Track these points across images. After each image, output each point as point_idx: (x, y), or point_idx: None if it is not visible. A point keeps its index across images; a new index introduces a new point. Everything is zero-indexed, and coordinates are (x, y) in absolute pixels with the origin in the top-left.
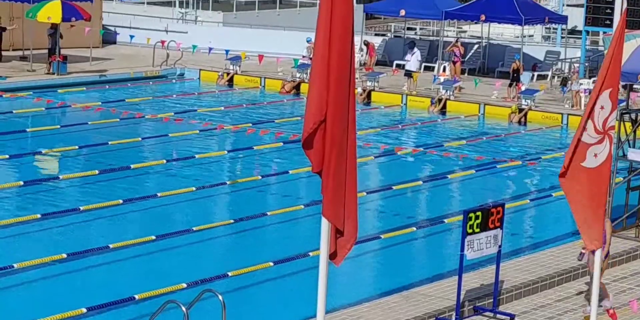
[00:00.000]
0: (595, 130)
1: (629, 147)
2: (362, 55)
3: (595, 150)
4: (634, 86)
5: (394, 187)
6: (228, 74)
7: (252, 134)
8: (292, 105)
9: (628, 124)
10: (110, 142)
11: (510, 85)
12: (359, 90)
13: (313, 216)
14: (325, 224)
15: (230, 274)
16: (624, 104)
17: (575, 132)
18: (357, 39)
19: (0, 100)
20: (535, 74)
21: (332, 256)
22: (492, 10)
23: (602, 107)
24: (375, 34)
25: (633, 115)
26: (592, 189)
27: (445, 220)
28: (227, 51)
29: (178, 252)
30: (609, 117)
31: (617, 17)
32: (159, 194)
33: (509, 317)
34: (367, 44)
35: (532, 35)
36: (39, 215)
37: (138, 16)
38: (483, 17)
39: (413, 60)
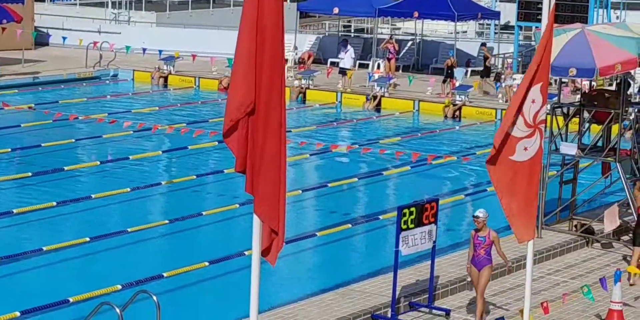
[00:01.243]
0: (525, 124)
1: (561, 140)
2: (296, 54)
3: (525, 144)
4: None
5: (330, 185)
6: (159, 70)
7: (186, 134)
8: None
9: (560, 118)
10: (43, 144)
11: (444, 81)
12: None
13: (248, 215)
14: (256, 223)
15: (165, 274)
16: (556, 98)
17: (502, 125)
18: (291, 37)
19: None
20: (469, 69)
21: (265, 253)
22: (425, 7)
23: (533, 101)
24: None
25: (565, 110)
26: (522, 182)
27: (381, 217)
28: (160, 51)
29: (113, 253)
30: (539, 111)
31: (545, 12)
32: (93, 196)
33: (444, 312)
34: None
35: (466, 31)
36: None
37: (70, 17)
38: (416, 14)
39: (347, 58)
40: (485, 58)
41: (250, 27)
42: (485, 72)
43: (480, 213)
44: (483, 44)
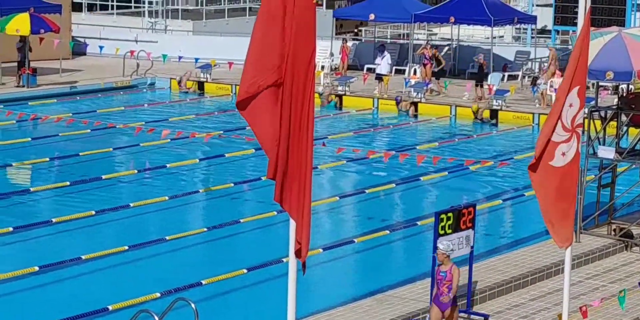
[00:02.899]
0: (563, 128)
1: (599, 144)
2: (332, 60)
3: (563, 149)
4: (601, 84)
5: (367, 191)
6: (186, 75)
7: (223, 142)
8: None
9: (598, 122)
10: (81, 153)
11: (476, 84)
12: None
13: (286, 222)
14: (292, 230)
15: (203, 282)
16: (593, 102)
17: (543, 129)
18: (327, 44)
19: None
20: (506, 74)
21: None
22: (462, 12)
23: (570, 105)
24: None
25: (602, 113)
26: (561, 187)
27: (419, 223)
28: (197, 59)
29: (151, 261)
30: (577, 114)
31: (581, 16)
32: (131, 204)
33: (483, 318)
34: (345, 43)
35: (502, 36)
36: (11, 228)
37: (107, 27)
38: (452, 19)
39: (383, 64)
40: (437, 59)
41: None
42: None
43: (440, 244)
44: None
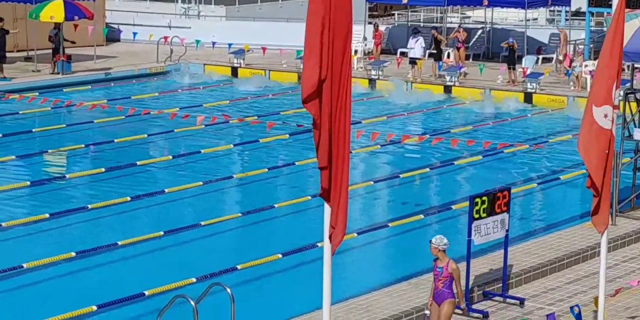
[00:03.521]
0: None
1: (635, 127)
2: (365, 45)
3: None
4: (637, 66)
5: (401, 175)
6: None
7: (258, 127)
8: (297, 96)
9: (633, 104)
10: (116, 140)
11: (509, 67)
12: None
13: (320, 207)
14: (327, 215)
15: (239, 267)
16: (629, 84)
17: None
18: (360, 28)
19: (6, 101)
20: (540, 57)
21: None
22: None
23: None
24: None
25: (638, 95)
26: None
27: (453, 207)
28: (230, 45)
29: (187, 247)
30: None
31: None
32: (166, 190)
33: (519, 301)
34: (376, 27)
35: (537, 19)
36: (47, 215)
37: (141, 13)
38: (486, 2)
39: (417, 48)
40: (439, 41)
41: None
42: (438, 55)
43: (434, 239)
44: (434, 28)
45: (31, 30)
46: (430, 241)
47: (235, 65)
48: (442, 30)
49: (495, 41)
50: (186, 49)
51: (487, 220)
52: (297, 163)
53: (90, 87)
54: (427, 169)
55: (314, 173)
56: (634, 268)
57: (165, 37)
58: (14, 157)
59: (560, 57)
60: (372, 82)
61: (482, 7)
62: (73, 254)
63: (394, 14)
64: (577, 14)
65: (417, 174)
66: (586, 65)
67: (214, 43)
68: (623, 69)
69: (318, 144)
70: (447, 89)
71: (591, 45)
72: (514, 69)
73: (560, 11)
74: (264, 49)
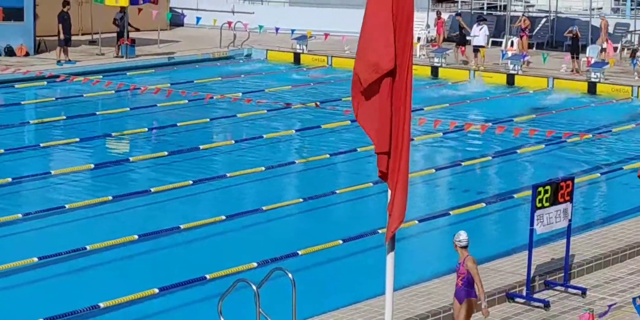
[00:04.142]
0: None
1: None
2: (428, 32)
3: None
4: None
5: (463, 163)
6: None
7: (319, 113)
8: None
9: None
10: (179, 124)
11: (572, 57)
12: None
13: (382, 194)
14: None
15: (300, 252)
16: None
17: None
18: (423, 16)
19: (70, 84)
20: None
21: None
22: None
23: None
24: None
25: None
26: None
27: (515, 195)
28: (293, 31)
29: (248, 231)
30: None
31: None
32: (228, 174)
33: (580, 291)
34: (439, 14)
35: (601, 8)
36: (110, 198)
37: None
38: None
39: (481, 36)
40: (461, 28)
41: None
42: (462, 41)
43: (457, 235)
44: (458, 14)
45: (96, 14)
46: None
47: (298, 51)
48: (505, 18)
49: (559, 30)
50: (249, 35)
51: (550, 209)
52: (359, 149)
53: (153, 71)
54: (490, 157)
55: (375, 160)
56: None
57: (229, 22)
58: (77, 139)
59: (603, 46)
60: (434, 69)
61: None
62: (135, 236)
63: (457, 2)
64: None
65: (479, 162)
66: None
67: (277, 29)
68: None
69: (378, 130)
70: (510, 78)
71: None
72: (577, 58)
73: (625, 0)
74: (326, 35)
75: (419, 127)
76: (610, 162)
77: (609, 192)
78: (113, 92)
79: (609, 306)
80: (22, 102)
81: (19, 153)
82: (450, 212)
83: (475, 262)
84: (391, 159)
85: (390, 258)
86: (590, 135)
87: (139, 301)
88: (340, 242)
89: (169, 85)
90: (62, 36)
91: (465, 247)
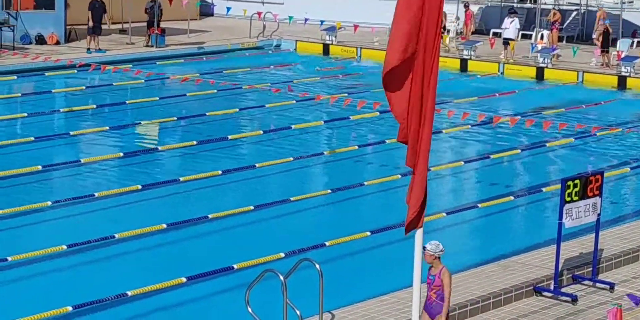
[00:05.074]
0: None
1: None
2: (457, 24)
3: None
4: None
5: (492, 156)
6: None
7: (348, 104)
8: None
9: None
10: (208, 113)
11: (602, 50)
12: None
13: None
14: None
15: (327, 243)
16: None
17: None
18: (453, 8)
19: (101, 73)
20: (635, 40)
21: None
22: None
23: None
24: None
25: None
26: None
27: (544, 189)
28: (322, 22)
29: (276, 222)
30: None
31: None
32: (256, 165)
33: (608, 286)
34: (467, 6)
35: (632, 1)
36: (139, 186)
37: None
38: None
39: (512, 28)
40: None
41: None
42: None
43: (429, 245)
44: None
45: (127, 3)
46: (424, 247)
47: (327, 42)
48: (536, 11)
49: (589, 23)
50: (279, 25)
51: (579, 203)
52: (387, 141)
53: (183, 60)
54: (518, 151)
55: (404, 152)
56: None
57: (259, 13)
58: (107, 127)
59: (594, 36)
60: (463, 62)
61: None
62: (164, 225)
63: None
64: None
65: (507, 155)
66: None
67: (306, 19)
68: None
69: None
70: (540, 71)
71: None
72: (607, 51)
73: None
74: (355, 26)
75: (447, 119)
76: None
77: (639, 187)
78: (143, 81)
79: (629, 295)
80: (53, 91)
81: (49, 141)
82: (479, 205)
83: (451, 276)
84: (409, 148)
85: (418, 250)
86: (620, 129)
87: (166, 290)
88: (368, 233)
89: (198, 74)
90: (90, 24)
91: (439, 257)
